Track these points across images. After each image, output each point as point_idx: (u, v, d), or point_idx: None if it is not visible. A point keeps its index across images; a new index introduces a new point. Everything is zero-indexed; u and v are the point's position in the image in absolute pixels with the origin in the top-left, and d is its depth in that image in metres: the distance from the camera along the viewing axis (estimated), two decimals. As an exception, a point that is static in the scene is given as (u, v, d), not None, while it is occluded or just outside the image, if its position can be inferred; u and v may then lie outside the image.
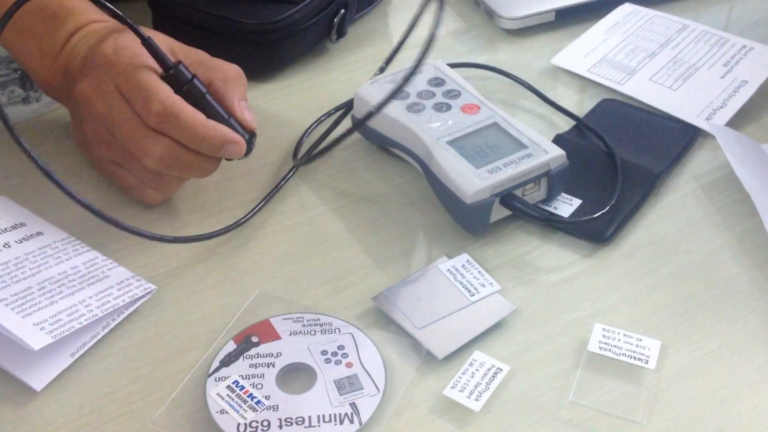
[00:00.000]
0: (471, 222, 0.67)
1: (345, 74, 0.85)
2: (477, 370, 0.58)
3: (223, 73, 0.67)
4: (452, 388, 0.56)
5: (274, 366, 0.57)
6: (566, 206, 0.69)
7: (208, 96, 0.65)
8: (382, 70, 0.78)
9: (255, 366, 0.57)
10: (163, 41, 0.66)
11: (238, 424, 0.54)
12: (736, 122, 0.78)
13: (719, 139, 0.73)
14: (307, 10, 0.82)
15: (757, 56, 0.85)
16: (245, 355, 0.58)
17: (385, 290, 0.63)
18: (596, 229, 0.68)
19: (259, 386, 0.56)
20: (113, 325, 0.60)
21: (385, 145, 0.75)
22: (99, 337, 0.60)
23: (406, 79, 0.59)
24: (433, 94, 0.73)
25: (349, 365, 0.57)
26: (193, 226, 0.68)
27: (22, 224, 0.66)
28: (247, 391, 0.56)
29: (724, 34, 0.89)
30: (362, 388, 0.56)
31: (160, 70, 0.64)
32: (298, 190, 0.72)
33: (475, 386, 0.57)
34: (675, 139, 0.76)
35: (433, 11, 0.58)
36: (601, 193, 0.70)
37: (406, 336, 0.60)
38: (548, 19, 0.91)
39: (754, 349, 0.60)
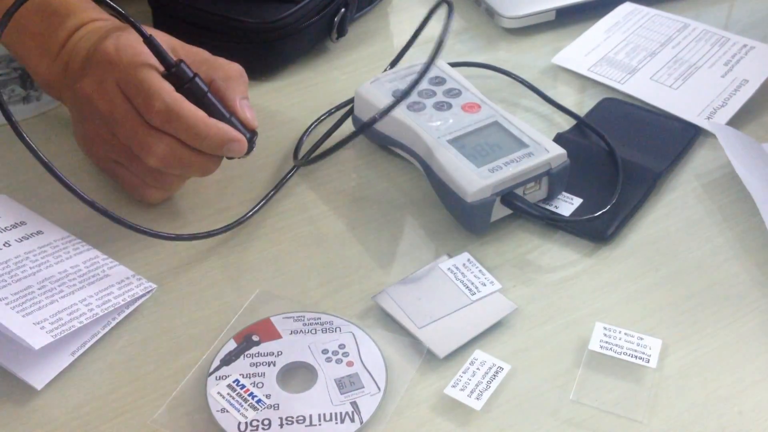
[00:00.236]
0: (472, 221, 0.67)
1: (345, 73, 0.85)
2: (478, 369, 0.57)
3: (225, 72, 0.67)
4: (453, 387, 0.56)
5: (274, 365, 0.57)
6: (567, 205, 0.69)
7: (209, 94, 0.65)
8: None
9: (256, 365, 0.57)
10: (164, 40, 0.66)
11: (239, 423, 0.54)
12: (736, 121, 0.78)
13: (720, 138, 0.73)
14: (308, 9, 0.82)
15: (758, 55, 0.85)
16: (246, 353, 0.58)
17: (386, 289, 0.63)
18: (597, 228, 0.68)
19: (259, 385, 0.56)
20: (114, 324, 0.60)
21: (385, 144, 0.74)
22: (99, 336, 0.60)
23: (413, 86, 0.59)
24: (434, 93, 0.73)
25: (349, 364, 0.57)
26: (193, 225, 0.68)
27: (23, 223, 0.66)
28: (248, 389, 0.56)
29: (724, 33, 0.89)
30: (363, 387, 0.56)
31: (161, 68, 0.64)
32: (298, 189, 0.72)
33: (476, 385, 0.56)
34: (676, 138, 0.76)
35: (440, 16, 0.58)
36: (601, 192, 0.70)
37: (406, 335, 0.60)
38: (549, 18, 0.91)
39: (755, 347, 0.60)
